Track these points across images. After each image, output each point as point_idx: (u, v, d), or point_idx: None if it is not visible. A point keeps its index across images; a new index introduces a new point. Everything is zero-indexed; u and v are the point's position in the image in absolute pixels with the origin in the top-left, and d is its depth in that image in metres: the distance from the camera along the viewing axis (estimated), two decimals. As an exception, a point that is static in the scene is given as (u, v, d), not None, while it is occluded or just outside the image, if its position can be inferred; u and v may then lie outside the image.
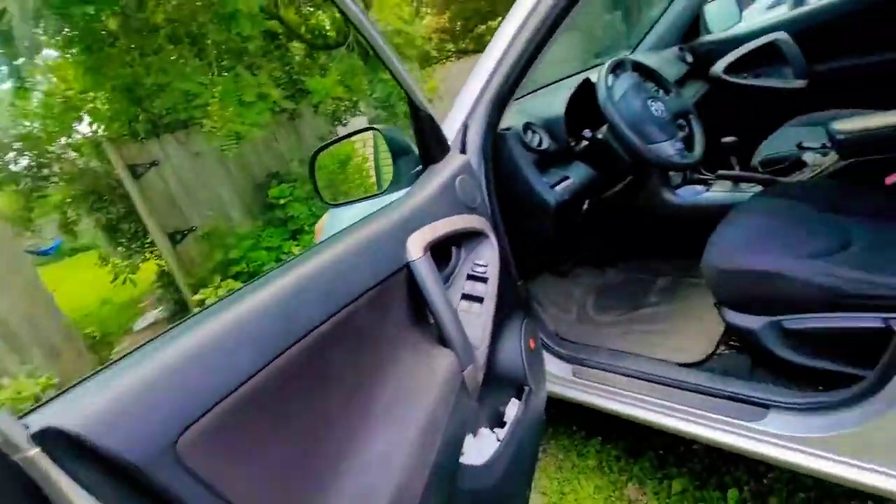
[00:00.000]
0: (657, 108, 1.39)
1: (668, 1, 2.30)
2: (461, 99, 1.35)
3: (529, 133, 1.43)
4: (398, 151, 1.18)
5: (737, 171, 1.67)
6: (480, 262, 1.01)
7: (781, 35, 2.06)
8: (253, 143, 5.15)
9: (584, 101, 1.46)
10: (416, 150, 1.15)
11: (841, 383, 1.05)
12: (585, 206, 1.55)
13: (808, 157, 1.53)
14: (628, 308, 1.76)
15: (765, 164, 1.72)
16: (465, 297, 0.97)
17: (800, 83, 2.07)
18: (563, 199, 1.38)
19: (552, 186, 1.40)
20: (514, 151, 1.36)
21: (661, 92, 1.58)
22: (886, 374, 0.93)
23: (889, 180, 1.33)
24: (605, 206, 1.76)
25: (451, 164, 1.12)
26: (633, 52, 2.43)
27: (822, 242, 1.17)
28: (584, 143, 1.46)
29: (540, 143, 1.44)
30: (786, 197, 1.38)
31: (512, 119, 1.49)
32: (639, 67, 1.49)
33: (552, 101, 1.52)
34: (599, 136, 1.47)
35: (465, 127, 1.34)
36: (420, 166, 1.15)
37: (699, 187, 1.76)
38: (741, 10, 2.30)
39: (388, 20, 4.36)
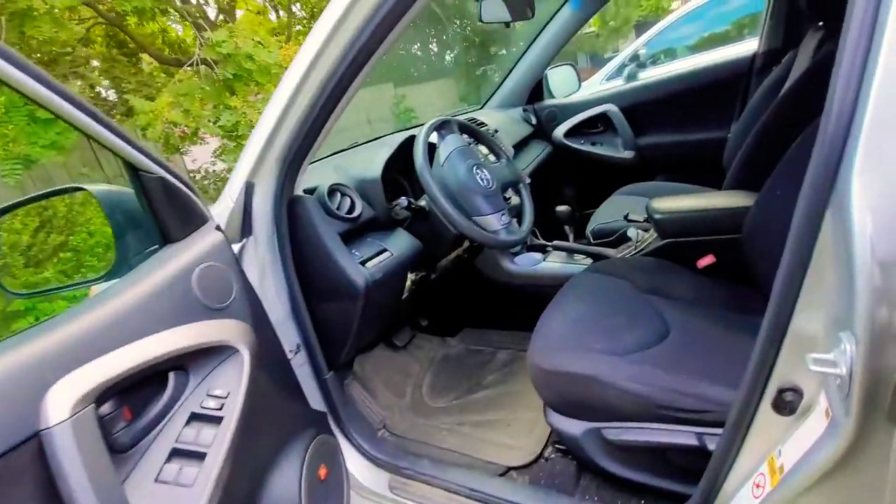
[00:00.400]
0: (483, 176, 1.25)
1: (514, 62, 2.30)
2: (245, 153, 1.07)
3: (338, 196, 1.19)
4: (125, 223, 0.85)
5: (570, 243, 1.62)
6: (216, 393, 0.71)
7: (612, 107, 2.15)
8: (70, 167, 4.29)
9: (409, 162, 1.27)
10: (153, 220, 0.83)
11: (669, 499, 0.95)
12: (412, 281, 1.34)
13: (631, 232, 1.52)
14: (464, 389, 1.58)
15: (595, 234, 1.70)
16: (178, 454, 0.65)
17: (627, 154, 2.16)
18: (375, 278, 1.14)
19: (364, 262, 1.17)
20: (314, 219, 1.11)
21: (490, 157, 1.47)
22: (707, 501, 0.83)
23: (701, 263, 1.33)
24: (441, 274, 1.59)
25: (195, 245, 0.81)
26: (482, 107, 2.38)
27: (642, 332, 1.09)
28: (404, 210, 1.26)
29: (351, 209, 1.20)
30: (612, 274, 1.32)
31: (321, 178, 1.24)
32: (467, 129, 1.35)
33: (372, 159, 1.31)
34: (422, 203, 1.28)
35: (250, 187, 1.06)
36: (157, 245, 0.84)
37: (537, 255, 1.68)
38: (580, 80, 2.39)
39: (246, 42, 3.94)
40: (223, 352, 0.75)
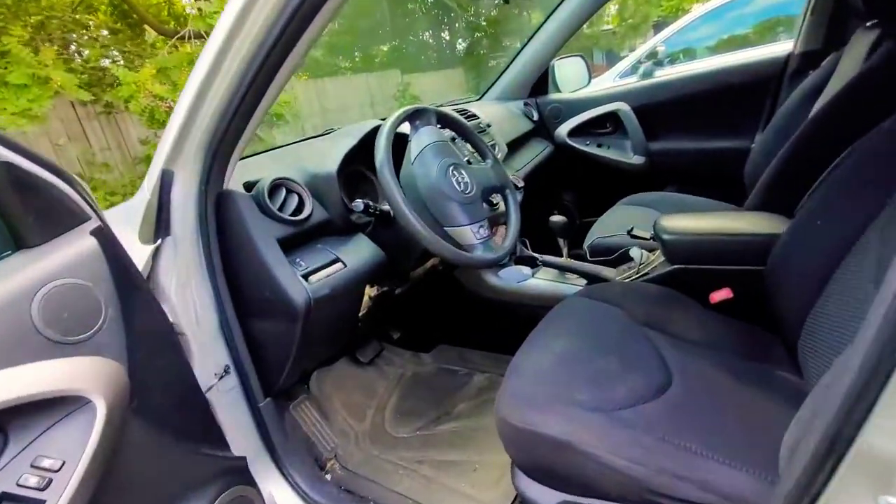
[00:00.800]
0: (461, 179, 1.04)
1: (517, 51, 2.07)
2: (165, 134, 0.87)
3: (282, 193, 0.99)
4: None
5: (563, 259, 1.41)
6: (45, 464, 0.52)
7: (623, 106, 1.93)
8: (53, 135, 4.08)
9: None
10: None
11: None
12: (370, 297, 1.14)
13: (635, 252, 1.32)
14: (431, 418, 1.39)
15: (593, 250, 1.49)
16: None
17: (637, 159, 1.95)
18: (320, 295, 0.95)
19: (309, 274, 0.97)
20: (245, 219, 0.91)
21: (475, 156, 1.26)
22: None
23: (714, 297, 1.13)
24: (411, 287, 1.39)
25: (53, 254, 0.62)
26: (480, 98, 2.17)
27: (637, 380, 0.89)
28: (360, 213, 1.06)
29: (299, 210, 1.00)
30: (607, 301, 1.12)
31: (271, 170, 1.04)
32: (447, 121, 1.14)
33: (330, 151, 1.10)
34: (386, 206, 1.08)
35: (167, 176, 0.86)
36: (10, 251, 0.64)
37: (525, 269, 1.47)
38: (590, 74, 2.17)
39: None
40: (68, 404, 0.56)
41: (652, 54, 3.38)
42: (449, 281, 1.53)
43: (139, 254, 0.89)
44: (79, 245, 0.64)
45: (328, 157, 1.08)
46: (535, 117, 2.09)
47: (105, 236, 0.68)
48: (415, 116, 1.06)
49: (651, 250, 1.35)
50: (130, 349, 0.67)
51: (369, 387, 1.53)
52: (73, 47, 4.43)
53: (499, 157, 1.37)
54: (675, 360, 0.95)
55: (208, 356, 0.96)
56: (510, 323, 1.53)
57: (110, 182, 4.07)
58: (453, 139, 1.23)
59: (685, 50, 3.61)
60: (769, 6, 3.97)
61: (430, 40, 11.08)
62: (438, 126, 1.11)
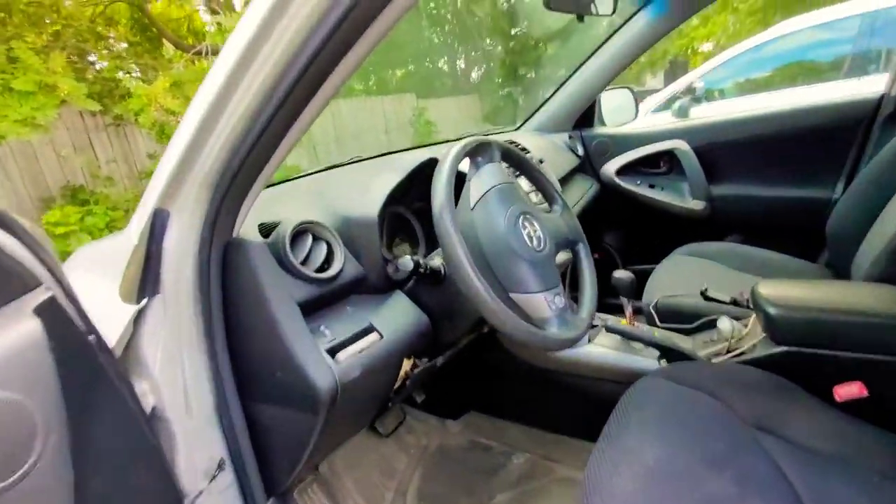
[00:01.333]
0: (532, 233, 0.83)
1: (564, 79, 1.89)
2: (160, 168, 0.66)
3: (308, 241, 0.77)
4: None
5: (628, 326, 1.18)
6: None
7: (682, 145, 1.73)
8: (59, 145, 3.93)
9: (424, 195, 0.83)
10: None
11: None
12: (406, 372, 0.91)
13: (724, 324, 1.09)
14: (464, 511, 1.14)
15: (663, 313, 1.26)
16: None
17: (696, 204, 1.74)
18: (349, 378, 0.72)
19: (336, 349, 0.74)
20: (260, 277, 0.69)
21: (540, 200, 1.05)
22: None
23: (840, 393, 0.89)
24: (454, 355, 1.15)
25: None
26: (518, 128, 1.98)
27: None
28: (407, 273, 0.83)
29: (325, 266, 0.78)
30: (698, 388, 0.89)
31: (291, 208, 0.83)
32: (511, 157, 0.93)
33: (368, 190, 0.89)
34: (436, 262, 0.86)
35: (160, 217, 0.65)
36: None
37: (580, 331, 1.24)
38: (637, 107, 1.98)
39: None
40: None
41: (690, 90, 3.23)
42: (487, 341, 1.30)
43: (118, 314, 0.67)
44: (12, 333, 0.42)
45: (366, 196, 0.86)
46: (580, 152, 1.89)
47: (57, 313, 0.46)
48: (476, 151, 0.85)
49: (738, 318, 1.13)
50: (81, 482, 0.45)
51: (387, 463, 1.29)
52: (91, 57, 4.35)
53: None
54: (801, 481, 0.72)
55: (198, 448, 0.74)
56: (557, 396, 1.30)
57: (113, 196, 3.88)
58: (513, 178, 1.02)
59: (728, 87, 3.45)
60: (803, 47, 3.81)
61: (445, 67, 11.12)
62: (502, 163, 0.90)
